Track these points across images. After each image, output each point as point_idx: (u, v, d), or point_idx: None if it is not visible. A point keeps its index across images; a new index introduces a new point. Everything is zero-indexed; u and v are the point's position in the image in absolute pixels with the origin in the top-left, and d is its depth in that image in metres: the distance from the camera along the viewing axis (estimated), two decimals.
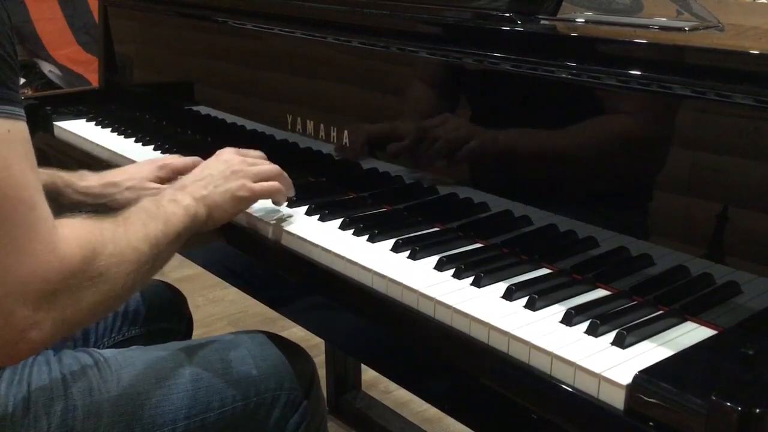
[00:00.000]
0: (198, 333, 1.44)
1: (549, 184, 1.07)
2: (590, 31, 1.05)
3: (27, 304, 0.78)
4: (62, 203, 1.24)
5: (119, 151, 1.55)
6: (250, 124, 1.53)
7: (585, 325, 0.85)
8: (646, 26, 1.05)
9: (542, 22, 1.08)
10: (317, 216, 1.17)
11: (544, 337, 0.83)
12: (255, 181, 1.11)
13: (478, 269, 0.97)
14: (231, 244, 1.20)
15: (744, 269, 0.88)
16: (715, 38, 1.01)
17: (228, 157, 1.12)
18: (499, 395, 0.84)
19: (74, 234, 0.83)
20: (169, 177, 1.30)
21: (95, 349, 1.07)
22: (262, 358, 1.11)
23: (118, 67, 1.94)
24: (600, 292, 0.94)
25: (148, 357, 1.07)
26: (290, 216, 1.17)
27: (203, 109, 1.67)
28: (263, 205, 1.18)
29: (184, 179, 1.08)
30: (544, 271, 0.99)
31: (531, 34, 1.06)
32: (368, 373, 2.19)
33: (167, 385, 1.03)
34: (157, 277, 1.10)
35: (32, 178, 0.80)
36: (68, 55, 3.78)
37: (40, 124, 1.78)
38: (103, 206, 1.26)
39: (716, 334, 0.84)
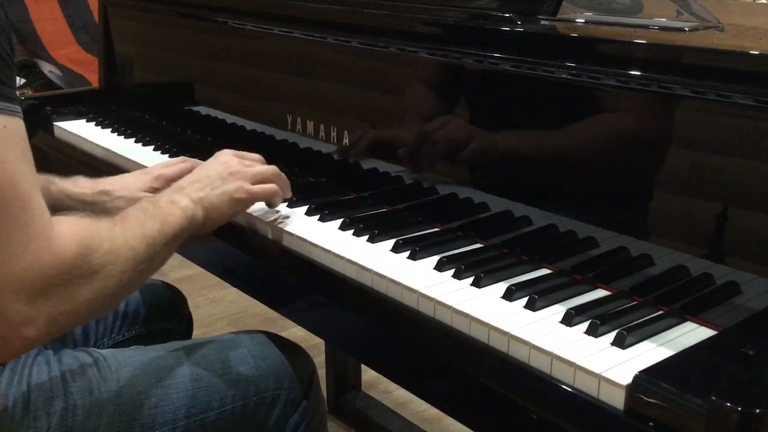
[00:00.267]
0: (198, 333, 1.44)
1: (549, 184, 1.07)
2: (590, 32, 1.05)
3: (21, 299, 0.79)
4: (55, 208, 1.24)
5: (119, 152, 1.55)
6: (250, 124, 1.53)
7: (585, 325, 0.85)
8: (646, 26, 1.05)
9: (542, 22, 1.08)
10: (317, 216, 1.17)
11: (544, 337, 0.83)
12: (253, 183, 1.11)
13: (478, 269, 0.97)
14: (231, 244, 1.20)
15: (744, 269, 0.88)
16: (715, 38, 1.01)
17: (226, 159, 1.12)
18: (499, 395, 0.84)
19: (70, 231, 0.83)
20: (164, 187, 1.27)
21: (95, 349, 1.07)
22: (262, 357, 1.11)
23: (118, 67, 1.94)
24: (600, 293, 0.94)
25: (148, 356, 1.07)
26: (290, 216, 1.17)
27: (203, 109, 1.67)
28: (263, 205, 1.18)
29: (182, 181, 1.08)
30: (544, 271, 0.99)
31: (531, 34, 1.06)
32: (368, 373, 2.19)
33: (167, 385, 1.03)
34: (157, 277, 1.11)
35: (28, 174, 0.80)
36: (68, 55, 3.78)
37: (40, 124, 1.78)
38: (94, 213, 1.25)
39: (716, 334, 0.84)
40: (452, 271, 0.98)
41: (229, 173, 1.09)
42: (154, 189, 1.28)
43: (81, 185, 1.28)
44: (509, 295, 0.92)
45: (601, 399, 0.76)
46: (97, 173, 1.50)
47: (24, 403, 0.95)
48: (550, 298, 0.91)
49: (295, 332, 1.24)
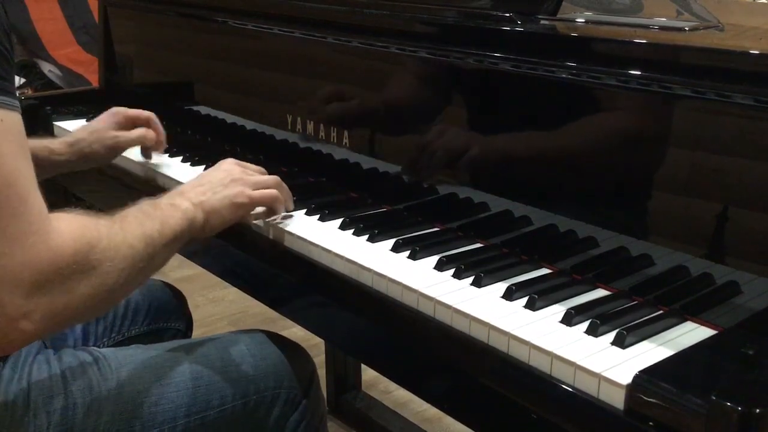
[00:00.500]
0: (198, 333, 1.44)
1: (549, 184, 1.07)
2: (590, 31, 1.05)
3: (18, 293, 0.79)
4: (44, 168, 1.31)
5: None
6: (250, 124, 1.53)
7: (585, 325, 0.85)
8: (646, 26, 1.05)
9: (542, 22, 1.08)
10: (317, 216, 1.17)
11: (544, 337, 0.83)
12: (254, 190, 1.11)
13: (478, 269, 0.97)
14: (231, 244, 1.20)
15: (744, 269, 0.88)
16: (715, 38, 1.01)
17: (228, 166, 1.13)
18: (499, 395, 0.84)
19: (69, 227, 0.83)
20: (126, 123, 1.42)
21: (95, 348, 1.08)
22: (262, 356, 1.11)
23: (118, 67, 1.94)
24: (600, 292, 0.94)
25: (148, 355, 1.07)
26: (290, 216, 1.17)
27: (203, 109, 1.67)
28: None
29: (183, 186, 1.09)
30: (544, 271, 0.99)
31: (531, 34, 1.06)
32: (368, 373, 2.19)
33: (167, 383, 1.04)
34: (157, 276, 1.11)
35: (25, 168, 0.80)
36: (68, 55, 3.78)
37: (40, 124, 1.78)
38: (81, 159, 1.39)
39: (716, 334, 0.84)
40: (452, 271, 0.98)
41: (231, 179, 1.10)
42: (117, 125, 1.42)
43: (58, 152, 1.38)
44: (509, 295, 0.92)
45: (601, 399, 0.76)
46: (98, 173, 1.51)
47: (24, 401, 0.95)
48: (550, 298, 0.91)
49: (295, 332, 1.24)
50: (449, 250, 1.04)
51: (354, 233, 1.11)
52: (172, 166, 1.45)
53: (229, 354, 1.10)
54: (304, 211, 1.19)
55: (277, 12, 1.42)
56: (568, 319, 0.86)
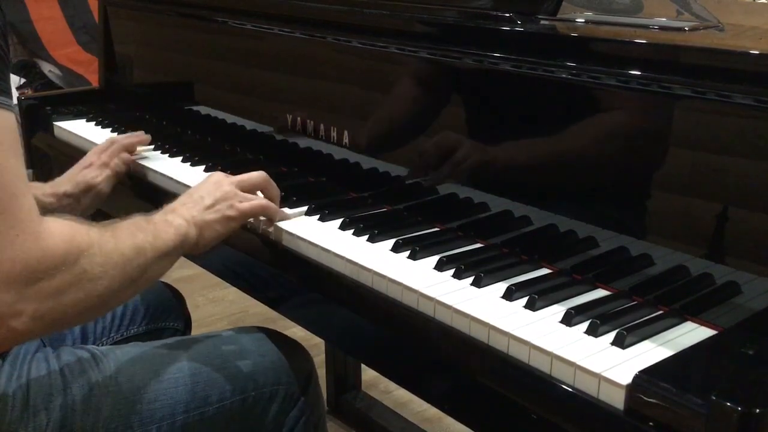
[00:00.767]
0: (198, 333, 1.44)
1: (549, 184, 1.07)
2: (590, 31, 1.05)
3: (8, 290, 0.79)
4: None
5: None
6: (250, 124, 1.53)
7: (585, 325, 0.85)
8: (646, 26, 1.05)
9: (542, 22, 1.08)
10: (317, 216, 1.17)
11: (544, 337, 0.83)
12: (240, 188, 1.12)
13: (478, 269, 0.97)
14: (230, 243, 1.20)
15: (744, 269, 0.88)
16: (715, 38, 1.01)
17: (217, 179, 1.14)
18: (499, 395, 0.84)
19: (60, 230, 0.84)
20: (119, 152, 1.41)
21: (94, 346, 1.08)
22: (261, 353, 1.12)
23: (118, 67, 1.94)
24: (600, 292, 0.94)
25: (147, 352, 1.07)
26: (290, 216, 1.17)
27: (203, 109, 1.67)
28: None
29: (174, 203, 1.10)
30: (544, 271, 0.99)
31: (531, 34, 1.06)
32: (368, 373, 2.19)
33: (166, 380, 1.04)
34: None
35: (16, 167, 0.81)
36: (68, 55, 3.78)
37: (40, 124, 1.79)
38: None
39: (716, 334, 0.84)
40: (452, 271, 0.98)
41: (221, 193, 1.11)
42: (104, 163, 1.38)
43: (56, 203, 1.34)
44: (509, 295, 0.92)
45: (601, 399, 0.76)
46: None
47: (23, 399, 0.95)
48: (550, 298, 0.91)
49: (295, 332, 1.24)
50: (449, 250, 1.04)
51: (354, 233, 1.11)
52: (172, 166, 1.45)
53: (227, 351, 1.11)
54: (304, 211, 1.19)
55: (277, 12, 1.42)
56: (568, 319, 0.86)
